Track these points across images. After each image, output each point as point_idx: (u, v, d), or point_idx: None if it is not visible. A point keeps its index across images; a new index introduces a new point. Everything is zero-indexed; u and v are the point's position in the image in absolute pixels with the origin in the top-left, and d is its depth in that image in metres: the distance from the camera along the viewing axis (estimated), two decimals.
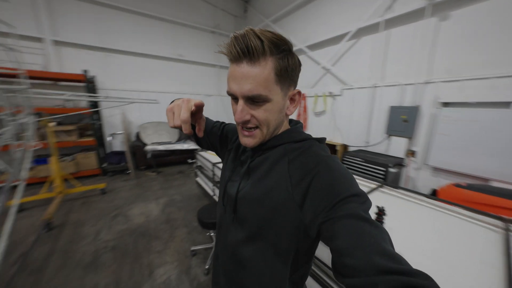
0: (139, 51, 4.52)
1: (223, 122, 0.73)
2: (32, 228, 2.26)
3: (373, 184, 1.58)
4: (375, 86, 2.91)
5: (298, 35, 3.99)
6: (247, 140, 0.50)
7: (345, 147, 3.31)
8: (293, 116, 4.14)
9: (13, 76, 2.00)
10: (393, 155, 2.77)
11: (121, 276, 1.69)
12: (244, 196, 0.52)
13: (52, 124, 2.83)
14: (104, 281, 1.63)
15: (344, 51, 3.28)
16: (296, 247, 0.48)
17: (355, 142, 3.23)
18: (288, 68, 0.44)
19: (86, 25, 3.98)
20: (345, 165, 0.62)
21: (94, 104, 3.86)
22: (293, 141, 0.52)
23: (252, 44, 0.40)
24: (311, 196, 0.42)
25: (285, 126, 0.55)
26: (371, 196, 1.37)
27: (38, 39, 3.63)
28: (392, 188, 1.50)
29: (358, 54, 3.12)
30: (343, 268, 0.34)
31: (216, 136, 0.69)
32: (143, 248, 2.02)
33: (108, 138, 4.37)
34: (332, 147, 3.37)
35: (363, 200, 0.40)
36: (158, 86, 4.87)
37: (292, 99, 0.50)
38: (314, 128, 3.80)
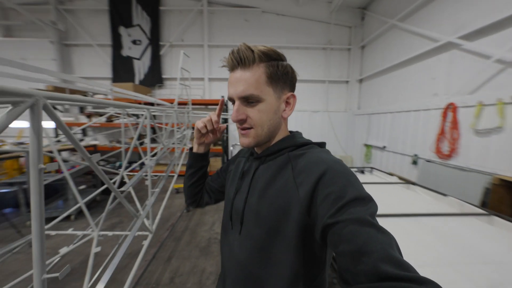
0: None
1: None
2: (180, 206, 3.24)
3: None
4: None
5: (444, 26, 2.91)
6: (243, 140, 0.53)
7: None
8: (433, 134, 2.98)
9: (185, 103, 3.08)
10: None
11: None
12: (251, 207, 0.52)
13: None
14: (209, 268, 1.94)
15: None
16: (307, 254, 0.47)
17: None
18: (278, 72, 0.50)
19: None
20: None
21: (225, 121, 5.06)
22: (295, 145, 0.53)
23: (244, 54, 0.48)
24: (317, 200, 0.42)
25: (285, 131, 0.57)
26: None
27: (201, 79, 5.43)
28: None
29: None
30: (348, 274, 0.34)
31: (219, 175, 0.75)
32: None
33: (230, 148, 5.51)
34: None
35: (369, 203, 0.39)
36: None
37: (287, 103, 0.54)
38: (474, 154, 2.47)
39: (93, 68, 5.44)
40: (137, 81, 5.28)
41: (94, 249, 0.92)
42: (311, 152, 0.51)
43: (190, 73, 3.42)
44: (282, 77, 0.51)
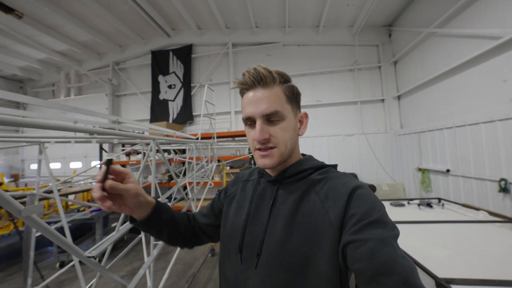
0: None
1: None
2: (204, 249, 2.92)
3: None
4: None
5: (509, 21, 2.42)
6: (266, 160, 0.50)
7: None
8: None
9: (209, 137, 3.05)
10: None
11: None
12: (274, 236, 0.47)
13: (227, 167, 3.87)
14: None
15: None
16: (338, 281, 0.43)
17: None
18: (293, 92, 0.53)
19: None
20: None
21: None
22: (314, 167, 0.53)
23: (263, 73, 0.49)
24: (347, 223, 0.42)
25: (299, 152, 0.58)
26: None
27: (228, 112, 5.61)
28: None
29: None
30: None
31: (213, 208, 0.66)
32: None
33: None
34: None
35: (392, 228, 0.40)
36: None
37: (300, 121, 0.56)
38: None
39: (136, 112, 6.19)
40: (170, 120, 5.72)
41: None
42: (333, 175, 0.51)
43: (215, 106, 3.50)
44: (296, 97, 0.54)
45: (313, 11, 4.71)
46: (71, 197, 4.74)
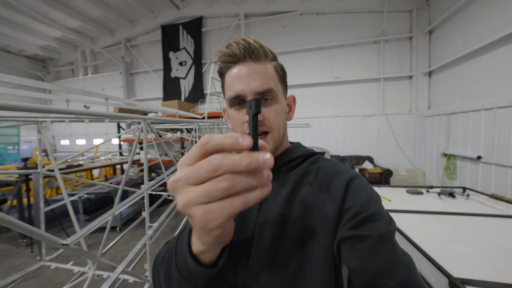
0: (297, 83, 5.01)
1: None
2: None
3: None
4: None
5: None
6: None
7: None
8: None
9: (218, 116, 2.99)
10: None
11: None
12: (266, 234, 0.41)
13: None
14: None
15: None
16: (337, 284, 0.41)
17: None
18: (284, 72, 0.48)
19: None
20: None
21: None
22: (304, 155, 0.49)
23: (255, 46, 0.42)
24: (343, 216, 0.39)
25: (288, 137, 0.53)
26: None
27: None
28: None
29: None
30: None
31: None
32: None
33: None
34: None
35: (389, 221, 0.37)
36: (311, 112, 4.98)
37: (288, 105, 0.52)
38: None
39: (149, 90, 6.24)
40: (182, 99, 5.71)
41: None
42: (325, 164, 0.47)
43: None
44: (285, 77, 0.49)
45: None
46: (95, 171, 5.12)
